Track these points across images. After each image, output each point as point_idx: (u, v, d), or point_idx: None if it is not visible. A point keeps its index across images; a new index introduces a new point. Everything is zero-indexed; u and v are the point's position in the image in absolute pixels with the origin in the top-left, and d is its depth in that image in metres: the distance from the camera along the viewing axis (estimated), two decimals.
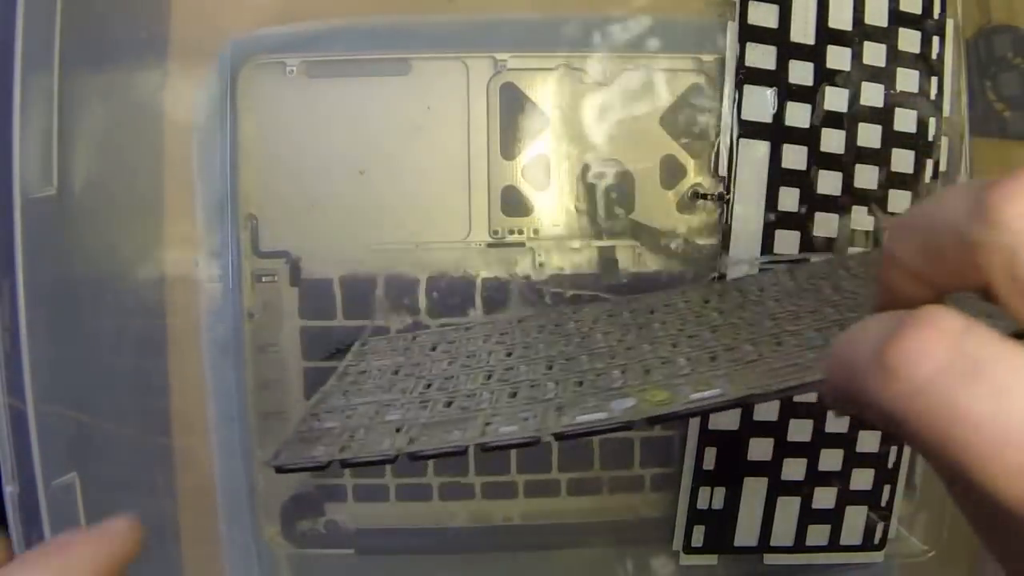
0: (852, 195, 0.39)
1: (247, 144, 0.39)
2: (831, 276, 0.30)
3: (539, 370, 0.28)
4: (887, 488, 0.41)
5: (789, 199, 0.39)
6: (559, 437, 0.22)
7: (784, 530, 0.40)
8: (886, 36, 0.39)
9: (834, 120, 0.39)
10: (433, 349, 0.34)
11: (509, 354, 0.31)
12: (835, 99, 0.39)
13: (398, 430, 0.25)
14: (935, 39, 0.40)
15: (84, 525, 0.32)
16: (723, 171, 0.39)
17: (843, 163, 0.39)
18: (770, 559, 0.41)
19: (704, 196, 0.40)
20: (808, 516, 0.40)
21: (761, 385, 0.21)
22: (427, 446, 0.24)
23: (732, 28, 0.38)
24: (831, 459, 0.40)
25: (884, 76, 0.39)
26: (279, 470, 0.24)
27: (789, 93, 0.38)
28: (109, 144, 0.36)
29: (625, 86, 0.40)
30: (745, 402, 0.21)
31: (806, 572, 0.41)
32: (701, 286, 0.36)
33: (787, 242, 0.39)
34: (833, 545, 0.41)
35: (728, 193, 0.39)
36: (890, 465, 0.41)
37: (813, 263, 0.35)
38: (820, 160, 0.39)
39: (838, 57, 0.39)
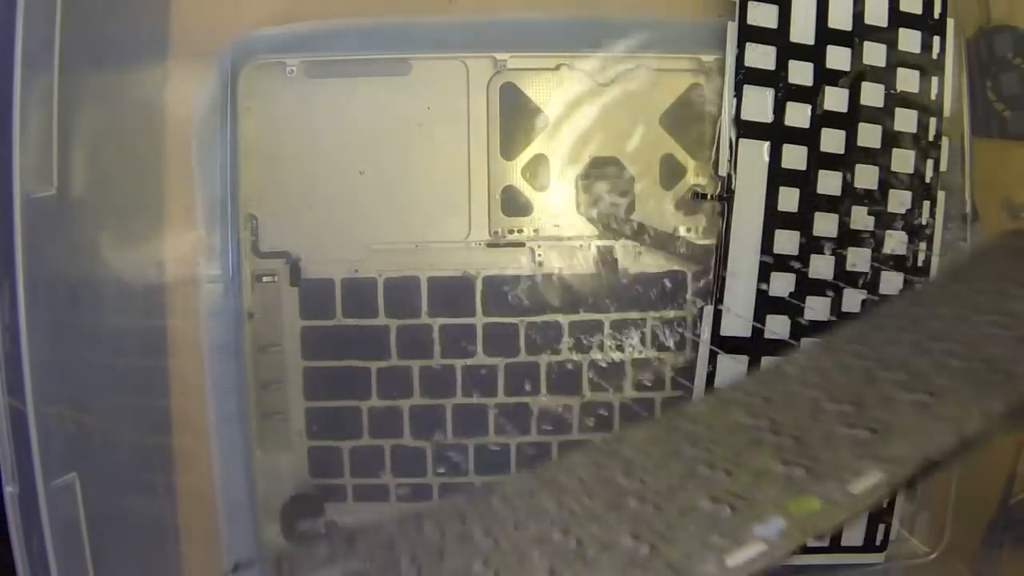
0: (852, 195, 0.39)
1: (247, 144, 0.39)
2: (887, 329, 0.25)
3: (613, 527, 0.20)
4: None
5: (789, 199, 0.39)
6: None
7: None
8: (886, 36, 0.39)
9: (834, 120, 0.39)
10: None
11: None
12: (835, 99, 0.39)
13: None
14: (935, 39, 0.39)
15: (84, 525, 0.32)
16: (723, 171, 0.39)
17: (843, 163, 0.39)
18: None
19: (704, 196, 0.40)
20: None
21: (936, 444, 0.17)
22: None
23: (732, 28, 0.38)
24: None
25: (884, 76, 0.39)
26: None
27: (789, 93, 0.38)
28: (109, 144, 0.36)
29: (625, 86, 0.40)
30: (930, 470, 0.17)
31: (807, 573, 0.41)
32: (728, 390, 0.28)
33: (787, 242, 0.39)
34: (834, 546, 0.41)
35: (728, 193, 0.39)
36: None
37: (848, 328, 0.28)
38: (820, 160, 0.39)
39: (838, 57, 0.39)
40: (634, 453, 0.22)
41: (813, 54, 0.38)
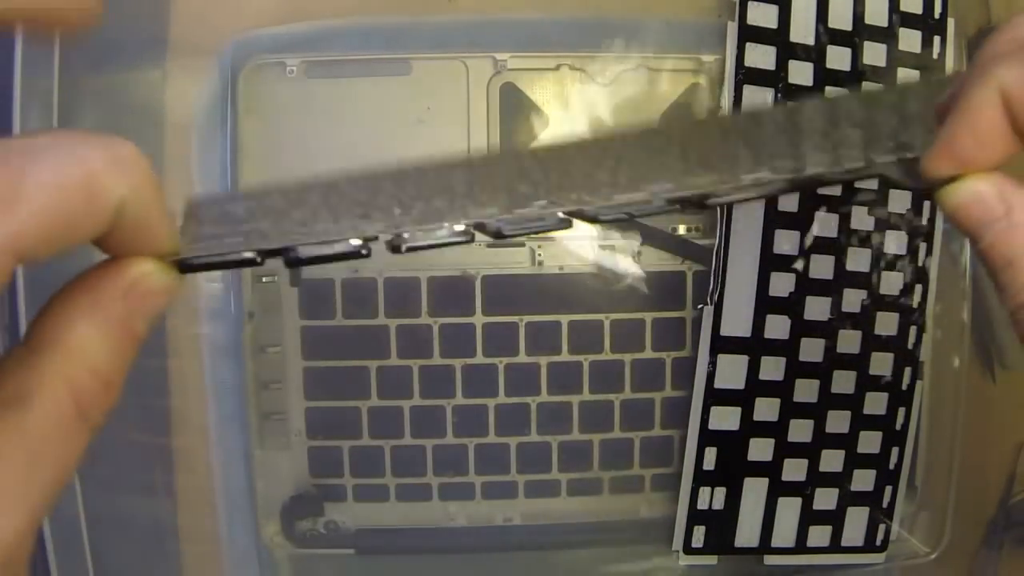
0: (852, 195, 0.39)
1: (247, 144, 0.39)
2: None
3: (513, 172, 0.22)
4: (888, 489, 0.41)
5: (789, 200, 0.39)
6: (590, 219, 0.19)
7: (785, 531, 0.40)
8: (886, 36, 0.39)
9: None
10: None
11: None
12: None
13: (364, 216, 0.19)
14: (936, 39, 0.39)
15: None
16: None
17: None
18: (771, 560, 0.41)
19: None
20: (809, 517, 0.40)
21: (829, 160, 0.19)
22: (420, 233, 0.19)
23: (732, 28, 0.38)
24: (832, 460, 0.40)
25: (884, 76, 0.39)
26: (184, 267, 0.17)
27: (789, 93, 0.38)
28: None
29: (625, 86, 0.40)
30: (812, 182, 0.19)
31: (807, 573, 0.41)
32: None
33: (787, 242, 0.39)
34: (834, 546, 0.41)
35: None
36: (891, 466, 0.41)
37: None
38: None
39: (838, 57, 0.39)
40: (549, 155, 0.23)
41: (813, 54, 0.38)
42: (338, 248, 0.18)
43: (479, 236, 0.20)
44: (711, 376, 0.39)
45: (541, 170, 0.22)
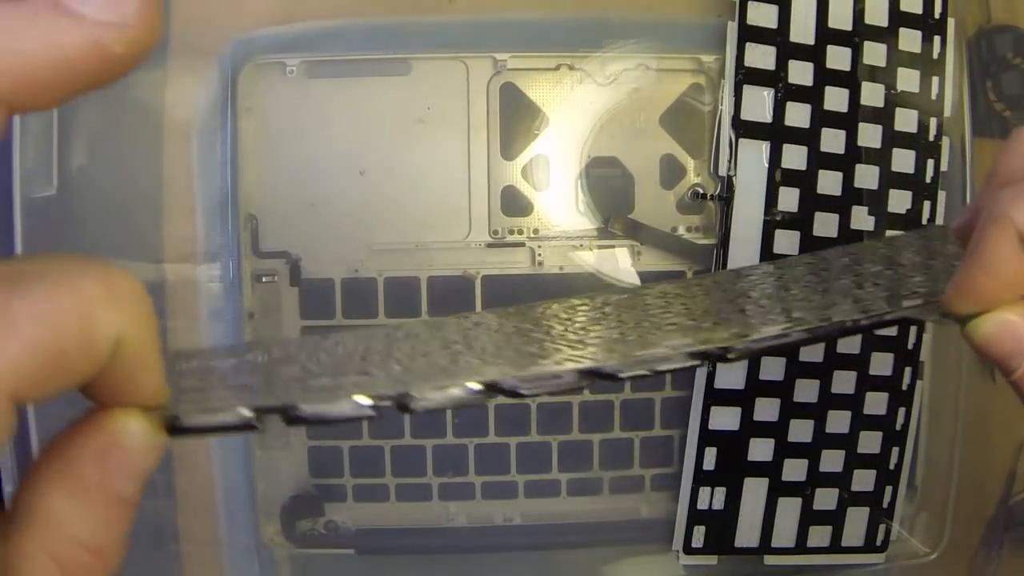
0: (852, 195, 0.39)
1: (247, 144, 0.39)
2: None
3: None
4: (889, 489, 0.41)
5: (789, 199, 0.39)
6: (609, 377, 0.18)
7: (785, 531, 0.40)
8: (886, 36, 0.39)
9: (834, 120, 0.39)
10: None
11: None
12: (835, 99, 0.39)
13: (364, 373, 0.19)
14: (936, 39, 0.39)
15: None
16: (723, 171, 0.39)
17: (843, 163, 0.39)
18: (771, 560, 0.41)
19: (704, 196, 0.40)
20: (809, 517, 0.40)
21: (846, 312, 0.19)
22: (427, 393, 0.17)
23: (732, 28, 0.38)
24: (832, 460, 0.40)
25: (884, 76, 0.39)
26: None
27: (789, 93, 0.38)
28: (109, 144, 0.36)
29: (625, 86, 0.40)
30: (829, 333, 0.19)
31: (807, 573, 0.41)
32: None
33: (787, 242, 0.39)
34: (834, 546, 0.41)
35: (728, 193, 0.39)
36: (891, 466, 0.41)
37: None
38: (820, 160, 0.39)
39: (838, 57, 0.39)
40: (544, 315, 0.23)
41: (813, 54, 0.38)
42: (346, 408, 0.17)
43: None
44: (711, 376, 0.39)
45: (551, 340, 0.21)
